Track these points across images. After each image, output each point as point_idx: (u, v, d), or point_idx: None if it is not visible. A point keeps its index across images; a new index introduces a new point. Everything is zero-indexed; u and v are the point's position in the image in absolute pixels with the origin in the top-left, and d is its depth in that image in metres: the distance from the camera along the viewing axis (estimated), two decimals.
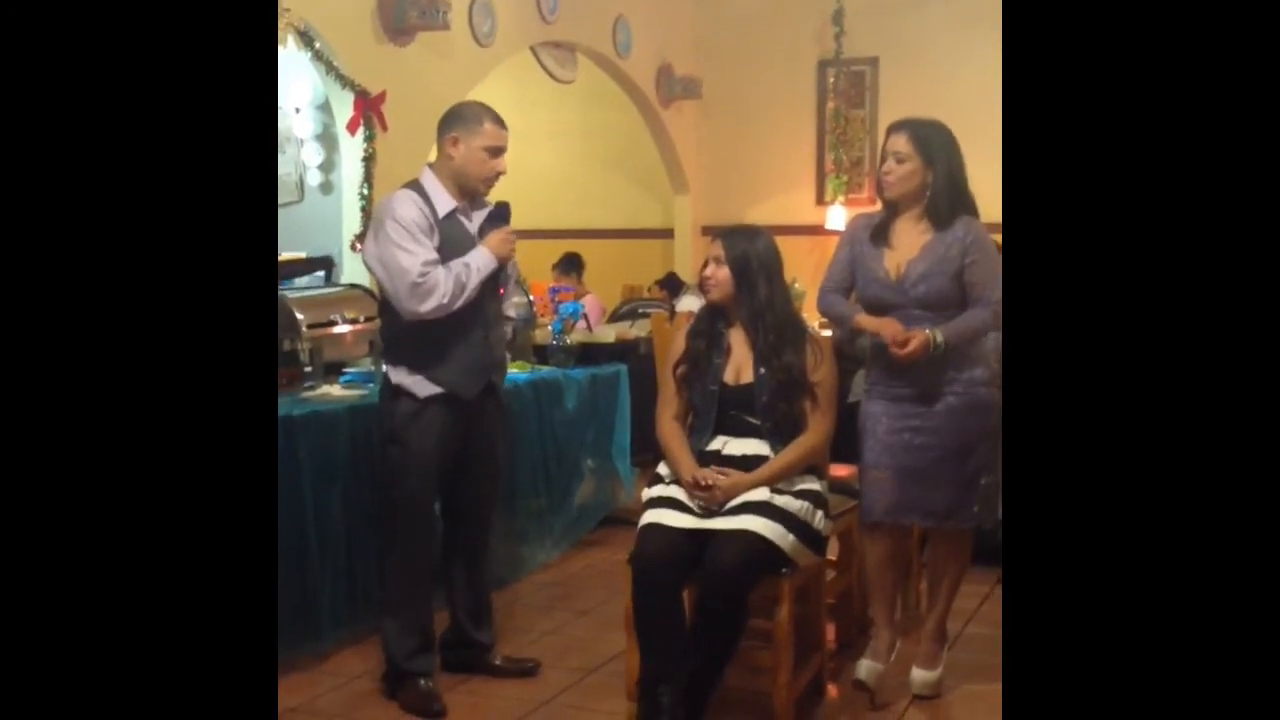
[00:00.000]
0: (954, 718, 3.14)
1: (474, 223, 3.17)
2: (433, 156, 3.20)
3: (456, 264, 3.04)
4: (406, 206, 3.05)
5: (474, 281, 3.05)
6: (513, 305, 3.42)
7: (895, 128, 3.12)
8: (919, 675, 3.21)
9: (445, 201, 3.11)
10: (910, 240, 3.09)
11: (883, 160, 3.12)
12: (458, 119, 3.13)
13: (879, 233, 3.14)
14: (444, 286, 3.00)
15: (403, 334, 3.11)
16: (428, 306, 3.00)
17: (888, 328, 3.02)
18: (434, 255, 3.02)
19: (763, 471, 2.91)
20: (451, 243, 3.08)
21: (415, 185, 3.14)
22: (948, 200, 3.05)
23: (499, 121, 3.14)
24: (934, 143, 3.07)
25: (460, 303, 3.04)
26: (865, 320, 3.10)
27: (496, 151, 3.12)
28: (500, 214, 3.20)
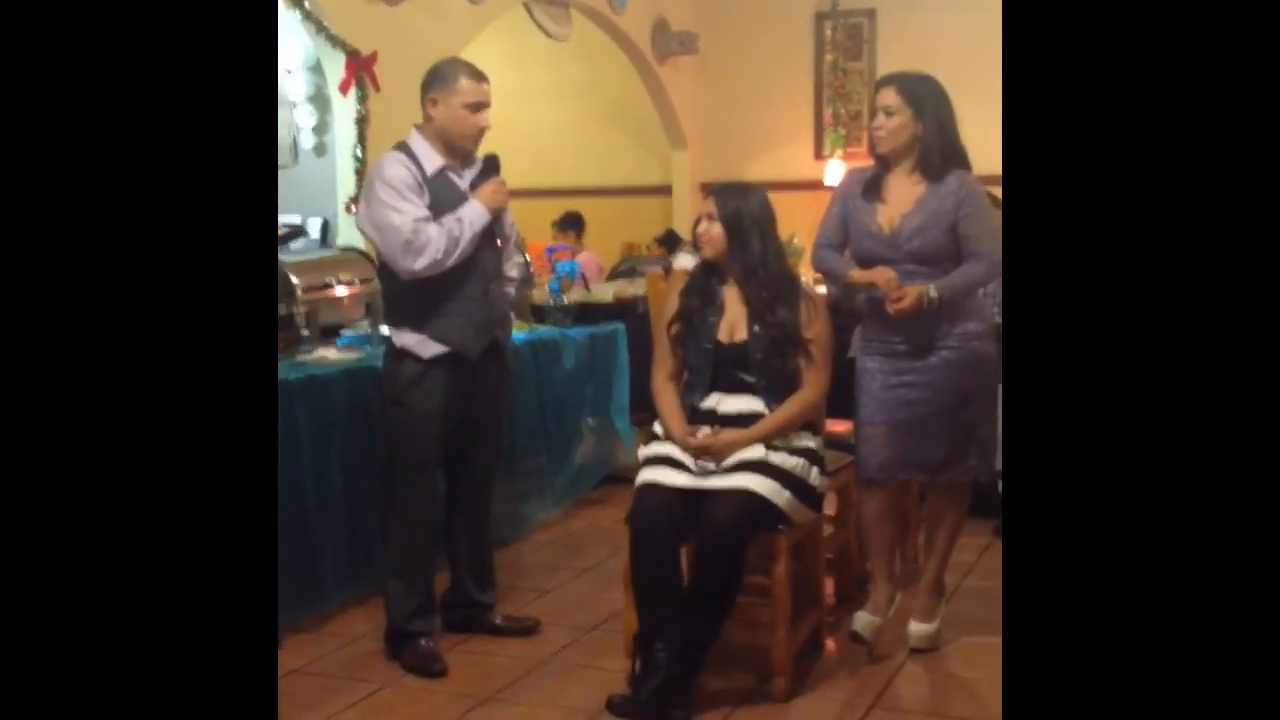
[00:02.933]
0: (952, 670, 3.16)
1: (465, 180, 3.16)
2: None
3: (448, 219, 3.03)
4: (394, 167, 3.05)
5: (467, 235, 3.04)
6: (512, 265, 3.41)
7: (884, 82, 3.13)
8: (917, 628, 3.23)
9: (434, 160, 3.10)
10: (903, 195, 3.08)
11: (872, 116, 3.12)
12: (435, 78, 3.11)
13: (871, 188, 3.13)
14: (437, 242, 2.99)
15: (402, 295, 3.11)
16: (422, 263, 3.00)
17: (881, 277, 3.01)
18: (425, 212, 3.02)
19: (758, 428, 2.92)
20: (442, 200, 3.07)
21: (403, 146, 3.13)
22: (939, 153, 3.05)
23: (477, 76, 3.12)
24: (923, 95, 3.06)
25: (455, 258, 3.03)
26: (858, 274, 3.09)
27: (477, 107, 3.10)
28: (490, 167, 3.18)
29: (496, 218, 3.15)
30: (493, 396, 3.26)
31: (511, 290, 3.44)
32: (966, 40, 7.38)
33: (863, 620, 3.19)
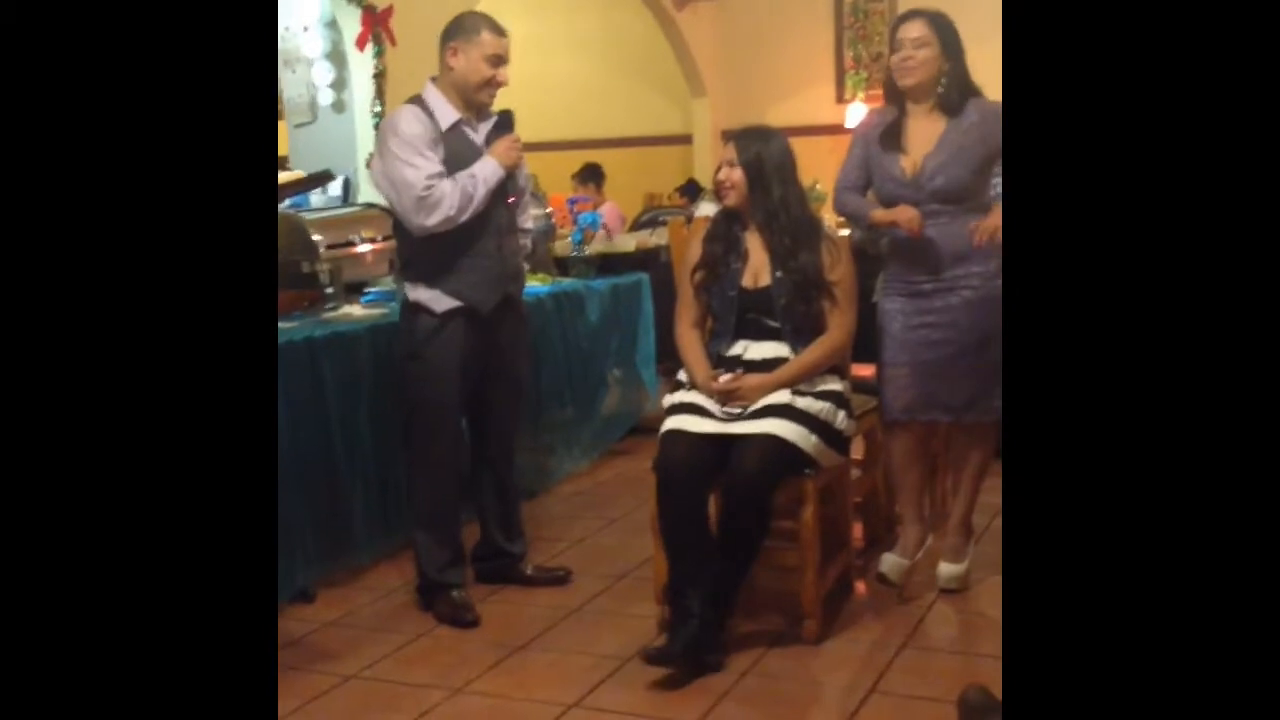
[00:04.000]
0: (981, 610, 3.17)
1: (480, 134, 3.15)
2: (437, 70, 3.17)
3: (462, 175, 3.03)
4: (408, 121, 3.04)
5: (481, 192, 3.04)
6: (530, 217, 3.40)
7: (909, 15, 3.11)
8: (945, 569, 3.24)
9: (449, 114, 3.09)
10: (925, 134, 3.07)
11: (897, 49, 3.08)
12: (457, 29, 3.11)
13: (892, 130, 3.11)
14: (450, 199, 3.00)
15: (416, 250, 3.13)
16: (435, 219, 3.01)
17: (903, 215, 3.00)
18: (438, 168, 3.02)
19: (784, 371, 2.92)
20: (457, 155, 3.07)
21: (418, 100, 3.12)
22: (959, 89, 3.05)
23: (497, 30, 3.11)
24: (949, 31, 3.07)
25: (469, 214, 3.03)
26: (881, 214, 3.08)
27: (497, 60, 3.09)
28: (505, 122, 3.17)
29: (511, 174, 3.15)
30: (510, 348, 3.27)
31: (528, 243, 3.44)
32: None
33: (890, 562, 3.20)
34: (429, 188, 2.98)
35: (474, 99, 3.12)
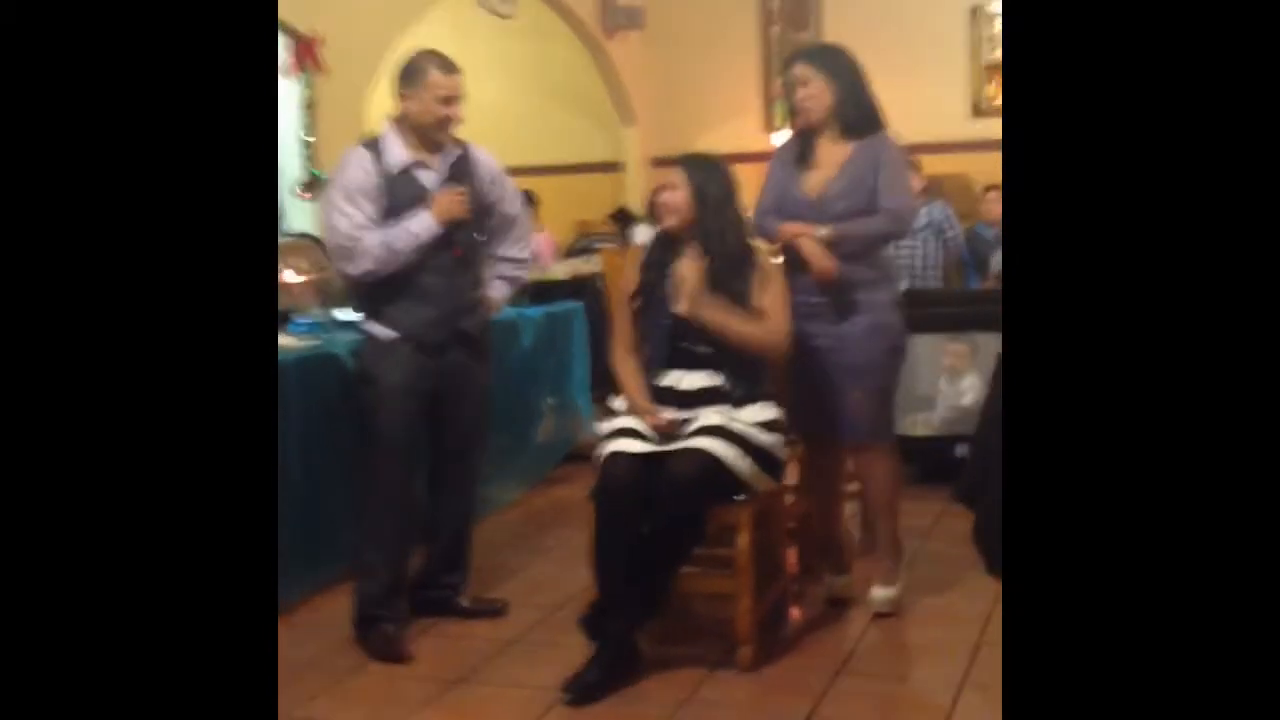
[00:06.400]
0: (913, 633, 3.21)
1: (436, 173, 3.15)
2: (380, 103, 3.18)
3: (395, 229, 3.06)
4: (352, 167, 3.09)
5: (410, 246, 3.07)
6: (516, 246, 3.41)
7: (793, 59, 3.31)
8: (878, 593, 3.28)
9: (400, 156, 3.11)
10: (830, 160, 3.20)
11: (792, 92, 3.23)
12: (406, 72, 3.16)
13: (801, 155, 3.24)
14: (373, 252, 3.05)
15: (359, 283, 3.15)
16: (355, 270, 3.09)
17: (792, 230, 3.13)
18: (366, 220, 3.05)
19: (728, 318, 2.93)
20: (401, 200, 3.09)
21: (371, 142, 3.15)
22: (856, 115, 3.18)
23: (447, 68, 3.13)
24: (833, 63, 3.22)
25: (395, 267, 3.08)
26: (784, 230, 3.18)
27: (449, 100, 3.13)
28: (456, 175, 3.17)
29: (454, 227, 3.13)
30: (461, 378, 3.25)
31: (522, 274, 3.47)
32: (909, 8, 7.42)
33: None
34: (353, 239, 3.04)
35: (432, 138, 3.13)
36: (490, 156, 3.31)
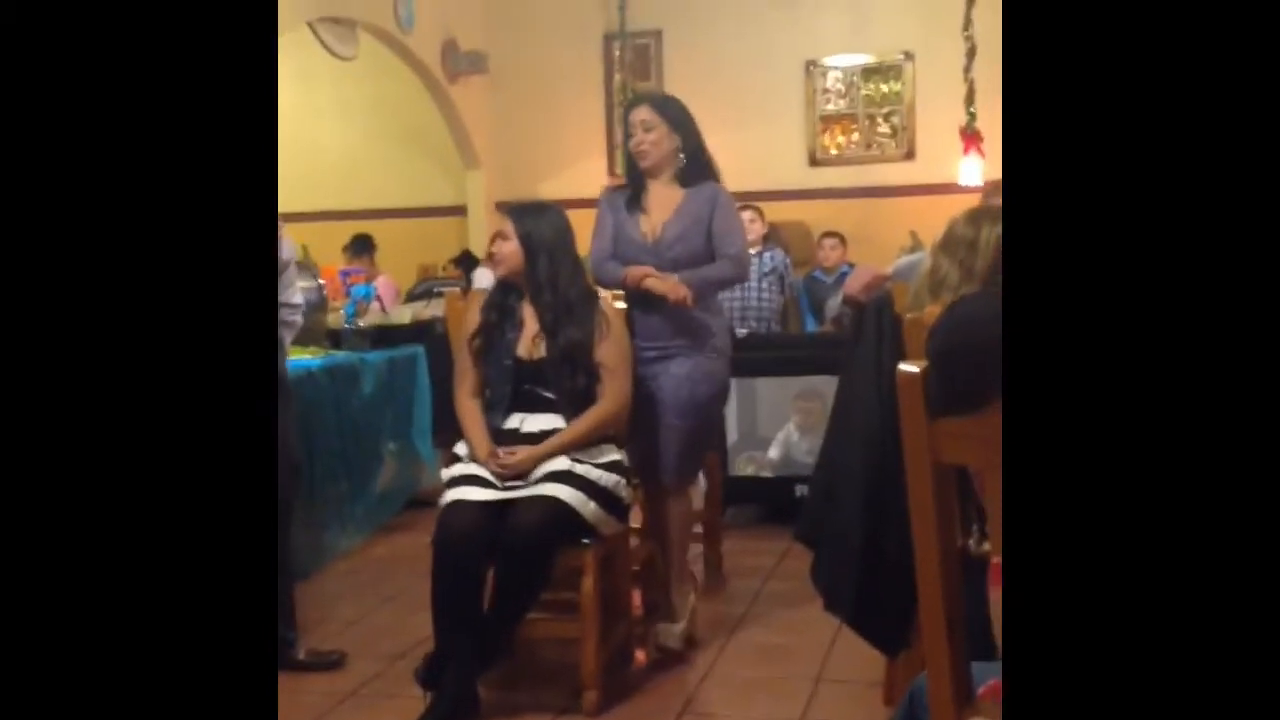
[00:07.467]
0: (754, 671, 3.25)
1: None
2: None
3: None
4: None
5: None
6: (298, 290, 3.32)
7: (635, 103, 3.40)
8: (662, 628, 3.32)
9: None
10: (663, 204, 3.28)
11: (630, 134, 3.30)
12: None
13: (634, 200, 3.32)
14: None
15: None
16: None
17: (637, 273, 3.19)
18: None
19: (554, 441, 2.95)
20: None
21: None
22: (694, 163, 3.28)
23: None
24: (674, 110, 3.31)
25: None
26: (629, 273, 3.22)
27: None
28: None
29: None
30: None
31: (298, 319, 3.37)
32: (748, 62, 7.64)
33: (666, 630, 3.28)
34: None
35: None
36: None
